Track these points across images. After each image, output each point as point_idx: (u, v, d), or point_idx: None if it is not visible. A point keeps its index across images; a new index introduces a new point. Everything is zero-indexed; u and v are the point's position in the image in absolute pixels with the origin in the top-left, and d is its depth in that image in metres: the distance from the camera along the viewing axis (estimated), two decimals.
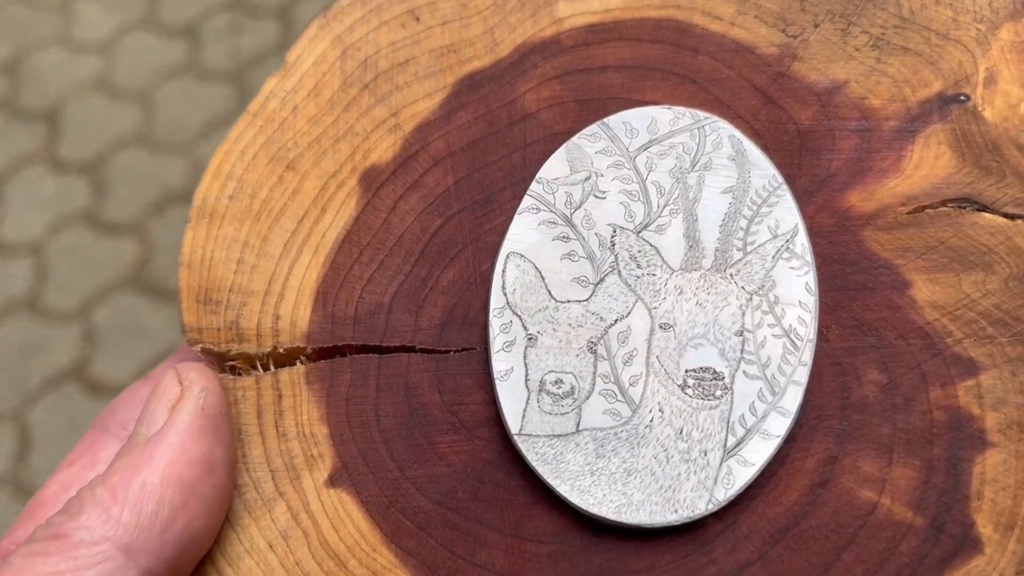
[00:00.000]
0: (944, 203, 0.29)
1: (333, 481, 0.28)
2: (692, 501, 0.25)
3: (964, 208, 0.29)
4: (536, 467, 0.26)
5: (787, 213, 0.28)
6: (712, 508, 0.25)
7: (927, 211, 0.29)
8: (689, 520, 0.25)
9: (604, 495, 0.26)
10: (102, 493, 0.25)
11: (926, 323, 0.27)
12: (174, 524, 0.25)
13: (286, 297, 0.30)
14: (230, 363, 0.30)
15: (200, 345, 0.30)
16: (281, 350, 0.30)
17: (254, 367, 0.30)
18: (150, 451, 0.25)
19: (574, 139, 0.30)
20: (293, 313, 0.30)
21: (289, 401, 0.29)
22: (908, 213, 0.29)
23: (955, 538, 0.25)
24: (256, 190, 0.31)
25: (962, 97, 0.30)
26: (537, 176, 0.29)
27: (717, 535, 0.26)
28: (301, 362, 0.30)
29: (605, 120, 0.30)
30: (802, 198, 0.29)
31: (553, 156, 0.29)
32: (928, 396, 0.27)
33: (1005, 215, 0.28)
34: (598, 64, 0.32)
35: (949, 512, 0.25)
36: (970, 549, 0.25)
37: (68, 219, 1.05)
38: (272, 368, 0.30)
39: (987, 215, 0.28)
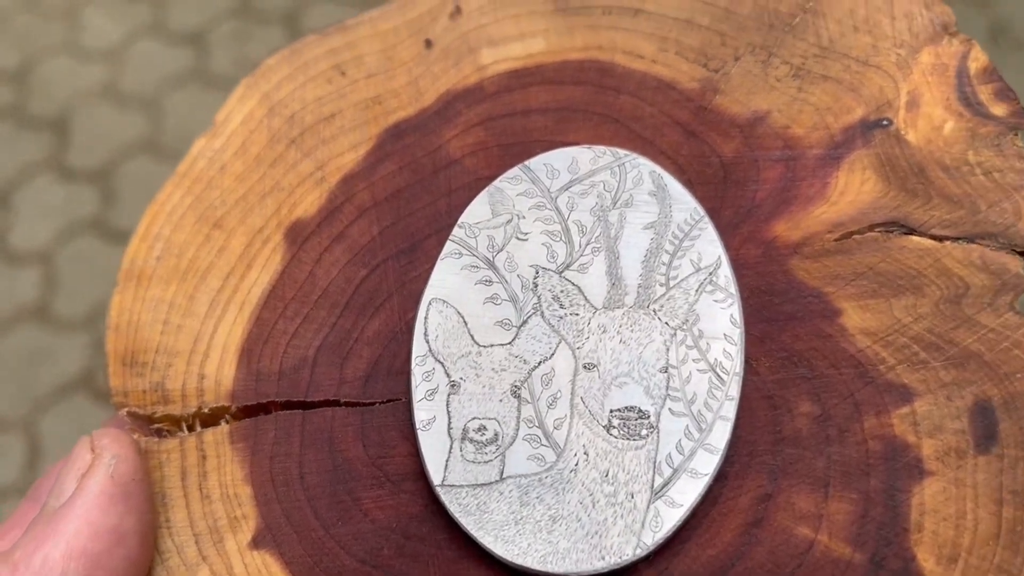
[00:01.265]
0: (871, 228, 0.28)
1: (256, 543, 0.27)
2: (619, 547, 0.24)
3: (892, 232, 0.28)
4: (459, 519, 0.25)
5: (709, 245, 0.27)
6: (640, 553, 0.24)
7: (854, 237, 0.28)
8: (617, 567, 0.24)
9: (529, 544, 0.25)
10: (2, 571, 0.25)
11: (857, 351, 0.27)
12: None
13: (211, 356, 0.30)
14: (156, 426, 0.29)
15: (126, 408, 0.29)
16: (206, 410, 0.29)
17: (180, 428, 0.29)
18: (55, 524, 0.25)
19: (496, 183, 0.29)
20: (218, 372, 0.29)
21: (213, 462, 0.28)
22: (835, 240, 0.28)
23: (896, 573, 0.24)
24: (183, 250, 0.31)
25: (884, 122, 0.30)
26: (459, 221, 0.29)
27: None
28: (226, 421, 0.29)
29: (526, 163, 0.30)
30: (727, 230, 0.29)
31: (475, 200, 0.29)
32: (862, 426, 0.26)
33: (933, 237, 0.28)
34: (521, 108, 0.32)
35: (889, 546, 0.24)
36: None
37: (77, 227, 1.04)
38: (198, 429, 0.29)
39: (915, 238, 0.28)
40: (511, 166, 0.30)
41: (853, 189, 0.29)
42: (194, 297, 0.30)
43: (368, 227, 0.31)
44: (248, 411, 0.29)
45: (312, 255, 0.30)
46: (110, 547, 0.25)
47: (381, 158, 0.31)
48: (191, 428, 0.29)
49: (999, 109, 0.29)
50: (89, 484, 0.26)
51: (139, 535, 0.26)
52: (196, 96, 1.10)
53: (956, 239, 0.28)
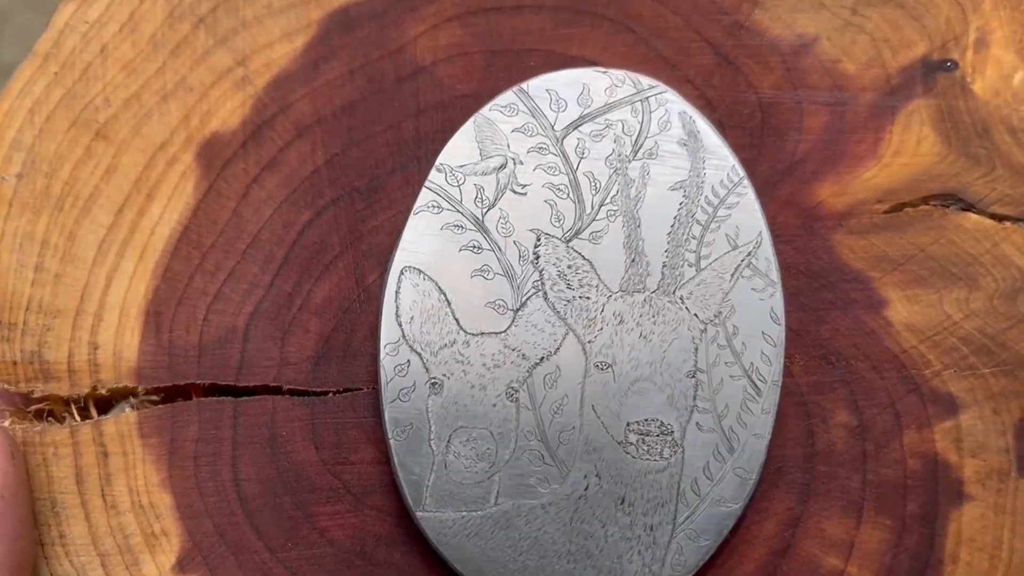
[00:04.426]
0: (926, 200, 0.24)
1: (183, 566, 0.22)
2: None
3: (948, 207, 0.24)
4: (443, 552, 0.21)
5: (749, 217, 0.23)
6: None
7: (907, 210, 0.24)
8: None
9: None
10: None
11: (902, 351, 0.23)
12: None
13: (105, 318, 0.23)
14: (36, 407, 0.23)
15: None
16: (103, 391, 0.23)
17: (70, 413, 0.23)
18: None
19: (484, 111, 0.23)
20: (116, 341, 0.23)
21: (118, 461, 0.22)
22: (885, 212, 0.24)
23: None
24: (54, 167, 0.23)
25: (949, 63, 0.25)
26: (437, 162, 0.23)
27: None
28: (132, 407, 0.23)
29: (523, 85, 0.23)
30: (763, 191, 0.24)
31: (458, 133, 0.23)
32: (902, 442, 0.23)
33: (993, 216, 0.24)
34: (510, 2, 0.24)
35: None
36: None
37: None
38: (94, 415, 0.23)
39: (973, 216, 0.24)
40: (498, 82, 0.24)
41: (909, 149, 0.24)
42: (75, 235, 0.23)
43: (310, 153, 0.24)
44: (162, 395, 0.23)
45: (236, 187, 0.23)
46: None
47: (325, 55, 0.24)
48: (85, 413, 0.23)
49: None
50: None
51: (10, 567, 0.20)
52: None
53: (1018, 220, 0.24)
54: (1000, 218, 0.24)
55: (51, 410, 0.23)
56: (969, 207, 0.24)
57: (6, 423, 0.22)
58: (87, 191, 0.23)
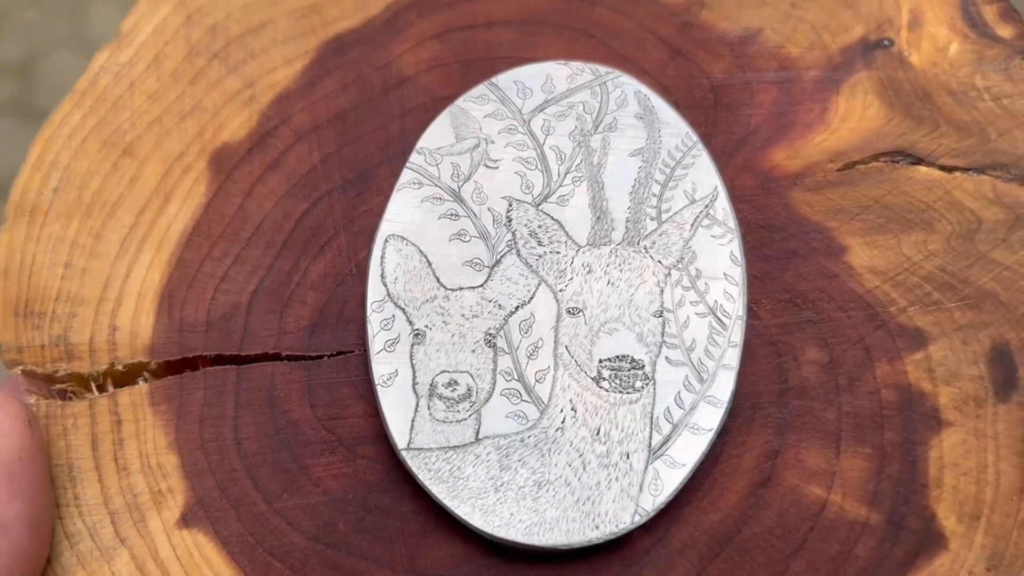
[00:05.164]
0: (876, 157, 0.26)
1: (186, 520, 0.23)
2: (615, 513, 0.21)
3: (898, 162, 0.26)
4: (429, 487, 0.22)
5: (704, 175, 0.24)
6: (639, 520, 0.21)
7: (858, 167, 0.25)
8: (614, 536, 0.21)
9: (512, 514, 0.21)
10: None
11: (866, 291, 0.24)
12: None
13: (124, 304, 0.25)
14: (59, 387, 0.25)
15: (20, 367, 0.25)
16: (120, 367, 0.25)
17: (89, 389, 0.25)
18: None
19: (458, 102, 0.26)
20: (133, 322, 0.25)
21: (131, 427, 0.24)
22: (838, 170, 0.25)
23: (916, 535, 0.22)
24: (86, 180, 0.26)
25: (885, 42, 0.27)
26: (417, 146, 0.25)
27: (646, 551, 0.22)
28: (145, 379, 0.25)
29: (494, 79, 0.26)
30: (720, 159, 0.26)
31: (435, 122, 0.25)
32: (874, 374, 0.23)
33: (942, 167, 0.25)
34: (482, 20, 0.28)
35: (907, 505, 0.22)
36: (932, 546, 0.22)
37: None
38: (111, 389, 0.25)
39: (923, 168, 0.25)
40: (472, 83, 0.26)
41: (855, 115, 0.26)
42: (101, 236, 0.26)
43: (308, 154, 0.26)
44: (172, 368, 0.25)
45: (242, 186, 0.26)
46: None
47: (321, 75, 0.27)
48: (102, 389, 0.25)
49: (1005, 31, 0.27)
50: None
51: (28, 524, 0.21)
52: None
53: (966, 170, 0.25)
54: (949, 169, 0.25)
55: (73, 391, 0.25)
56: (918, 161, 0.25)
57: (32, 400, 0.24)
58: (113, 198, 0.26)
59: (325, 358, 0.24)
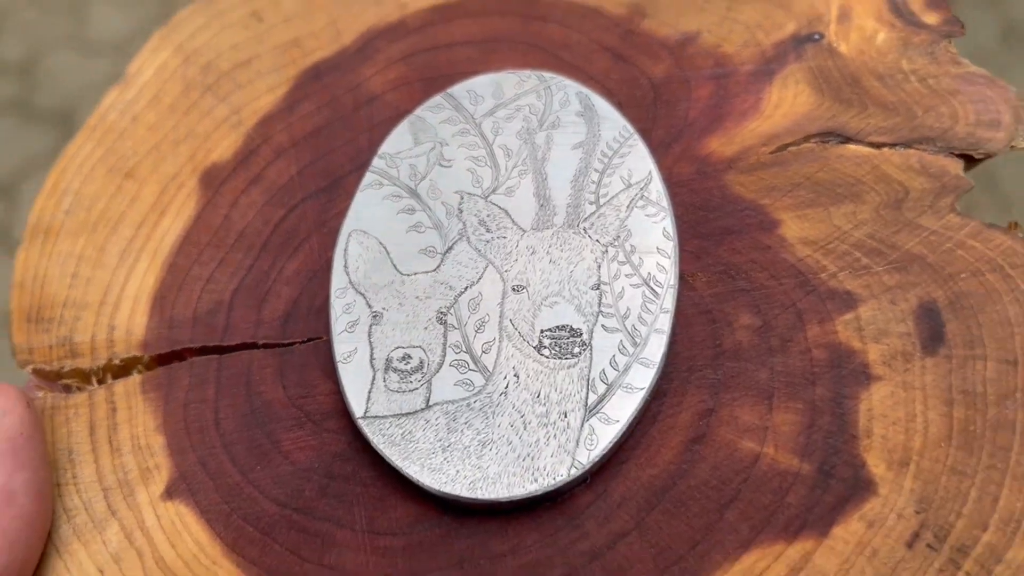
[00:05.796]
0: (807, 139, 0.27)
1: (170, 493, 0.25)
2: (553, 467, 0.23)
3: (828, 142, 0.27)
4: (383, 450, 0.24)
5: (640, 161, 0.26)
6: (575, 473, 0.23)
7: (790, 148, 0.27)
8: (552, 488, 0.23)
9: (457, 471, 0.23)
10: None
11: (798, 260, 0.25)
12: None
13: (121, 306, 0.28)
14: (64, 381, 0.27)
15: (31, 366, 0.28)
16: (117, 361, 0.27)
17: (90, 383, 0.27)
18: None
19: (416, 111, 0.28)
20: (129, 321, 0.28)
21: (124, 414, 0.26)
22: (771, 152, 0.27)
23: (846, 482, 0.23)
24: (93, 202, 0.30)
25: (816, 36, 0.29)
26: (379, 152, 0.28)
27: (587, 506, 0.23)
28: (138, 371, 0.27)
29: (449, 90, 0.28)
30: (659, 149, 0.27)
31: (394, 130, 0.28)
32: (806, 335, 0.24)
33: (870, 144, 0.27)
34: (445, 42, 0.30)
35: (837, 454, 0.23)
36: (863, 492, 0.22)
37: None
38: (109, 381, 0.27)
39: (852, 146, 0.27)
40: (434, 97, 0.29)
41: (787, 102, 0.28)
42: (104, 248, 0.29)
43: (286, 167, 0.29)
44: (162, 360, 0.27)
45: (228, 199, 0.29)
46: (1, 507, 0.23)
47: (299, 99, 0.30)
48: (101, 381, 0.27)
49: (931, 18, 0.28)
50: None
51: (32, 493, 0.24)
52: None
53: (894, 145, 0.27)
54: (878, 145, 0.27)
55: (76, 385, 0.27)
56: (847, 140, 0.27)
57: (40, 394, 0.27)
58: (116, 216, 0.29)
59: (297, 345, 0.26)
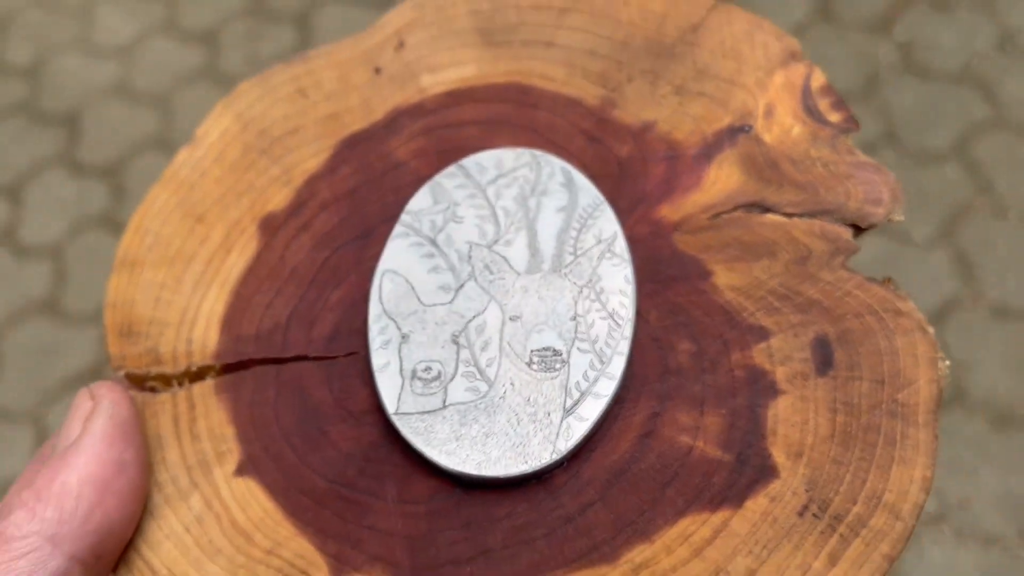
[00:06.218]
0: (736, 208, 0.35)
1: (240, 471, 0.32)
2: (539, 453, 0.30)
3: (752, 212, 0.35)
4: (410, 439, 0.31)
5: (608, 223, 0.34)
6: (556, 457, 0.30)
7: (723, 216, 0.35)
8: (538, 469, 0.30)
9: (467, 455, 0.31)
10: (27, 495, 0.29)
11: (726, 302, 0.33)
12: (92, 516, 0.29)
13: (197, 325, 0.35)
14: (150, 384, 0.35)
15: (123, 370, 0.35)
16: (193, 368, 0.34)
17: (170, 385, 0.34)
18: (68, 457, 0.30)
19: (436, 178, 0.36)
20: (204, 337, 0.35)
21: (201, 409, 0.34)
22: (709, 219, 0.35)
23: (756, 468, 0.30)
24: (171, 241, 0.37)
25: (747, 128, 0.37)
26: (406, 209, 0.35)
27: (564, 484, 0.31)
28: (211, 377, 0.34)
29: (461, 162, 0.36)
30: (623, 214, 0.35)
31: (418, 193, 0.36)
32: (730, 359, 0.32)
33: (784, 214, 0.35)
34: (456, 121, 0.38)
35: (751, 448, 0.31)
36: (768, 475, 0.30)
37: (87, 222, 1.04)
38: (186, 384, 0.34)
39: (770, 216, 0.35)
40: (447, 167, 0.37)
41: (722, 180, 0.36)
42: (181, 279, 0.36)
43: (329, 218, 0.37)
44: (229, 368, 0.34)
45: (282, 242, 0.36)
46: (116, 474, 0.30)
47: (339, 163, 0.38)
48: (180, 384, 0.34)
49: (834, 117, 0.37)
50: (93, 425, 0.31)
51: (138, 465, 0.31)
52: (207, 94, 1.11)
53: (802, 215, 0.35)
54: (790, 215, 0.35)
55: (160, 387, 0.35)
56: (767, 210, 0.35)
57: (132, 393, 0.34)
58: (190, 253, 0.37)
59: (340, 358, 0.34)
